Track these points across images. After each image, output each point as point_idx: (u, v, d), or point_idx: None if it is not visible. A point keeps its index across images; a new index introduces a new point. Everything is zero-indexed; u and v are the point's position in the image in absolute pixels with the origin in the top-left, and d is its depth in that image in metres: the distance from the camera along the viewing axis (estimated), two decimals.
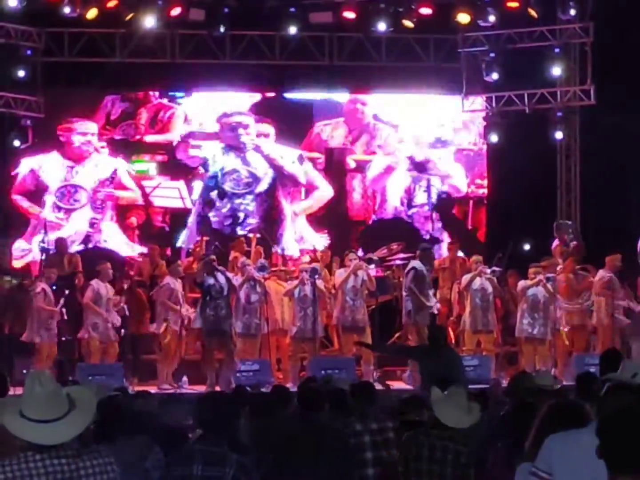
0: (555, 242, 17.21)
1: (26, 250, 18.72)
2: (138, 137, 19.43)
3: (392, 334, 16.35)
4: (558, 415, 4.73)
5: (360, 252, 16.98)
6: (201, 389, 14.29)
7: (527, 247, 18.26)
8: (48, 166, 18.93)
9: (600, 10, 17.91)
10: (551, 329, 15.41)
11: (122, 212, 19.24)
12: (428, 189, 19.65)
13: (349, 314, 15.29)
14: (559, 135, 18.72)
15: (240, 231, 19.00)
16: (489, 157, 19.75)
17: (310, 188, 19.62)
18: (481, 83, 19.00)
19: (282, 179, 19.51)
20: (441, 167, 19.86)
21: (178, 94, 19.68)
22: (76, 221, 18.98)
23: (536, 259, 16.32)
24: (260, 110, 19.52)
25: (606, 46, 18.02)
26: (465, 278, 15.67)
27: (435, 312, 15.63)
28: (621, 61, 17.71)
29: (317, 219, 19.60)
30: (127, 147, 19.33)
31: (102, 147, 19.17)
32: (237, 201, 19.35)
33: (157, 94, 19.63)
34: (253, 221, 19.22)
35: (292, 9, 17.97)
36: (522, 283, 15.54)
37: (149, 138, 19.45)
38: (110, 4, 17.50)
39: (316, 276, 15.17)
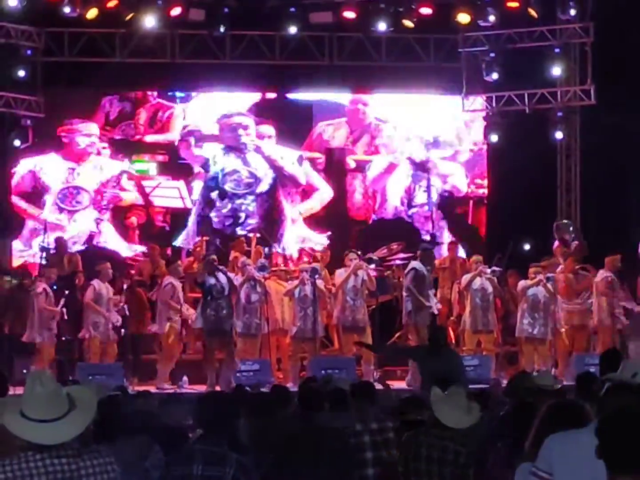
0: (557, 243, 17.21)
1: (22, 251, 18.72)
2: (138, 137, 19.44)
3: (392, 334, 16.35)
4: (558, 415, 4.73)
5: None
6: (201, 388, 14.29)
7: (527, 247, 18.24)
8: (48, 167, 18.93)
9: (601, 10, 17.91)
10: (551, 328, 15.42)
11: (121, 212, 19.23)
12: (428, 189, 19.65)
13: (349, 313, 15.29)
14: (559, 135, 18.71)
15: (240, 231, 19.01)
16: (489, 157, 19.75)
17: (310, 189, 19.63)
18: (481, 83, 19.00)
19: (283, 179, 19.51)
20: (441, 167, 19.86)
21: (178, 94, 19.69)
22: (79, 223, 18.98)
23: (536, 258, 16.32)
24: (261, 111, 19.53)
25: (606, 46, 18.01)
26: (466, 278, 15.67)
27: (435, 312, 15.62)
28: (621, 61, 17.70)
29: (317, 219, 19.60)
30: (127, 147, 19.34)
31: (104, 148, 19.18)
32: (238, 201, 19.35)
33: (155, 93, 19.64)
34: (253, 221, 19.23)
35: (292, 9, 17.97)
36: (522, 283, 15.54)
37: (149, 138, 19.46)
38: (111, 4, 17.50)
39: (316, 276, 15.17)
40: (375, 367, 15.19)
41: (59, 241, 17.45)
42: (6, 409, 4.15)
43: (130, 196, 19.28)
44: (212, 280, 14.79)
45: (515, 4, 17.99)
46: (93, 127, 19.13)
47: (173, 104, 19.60)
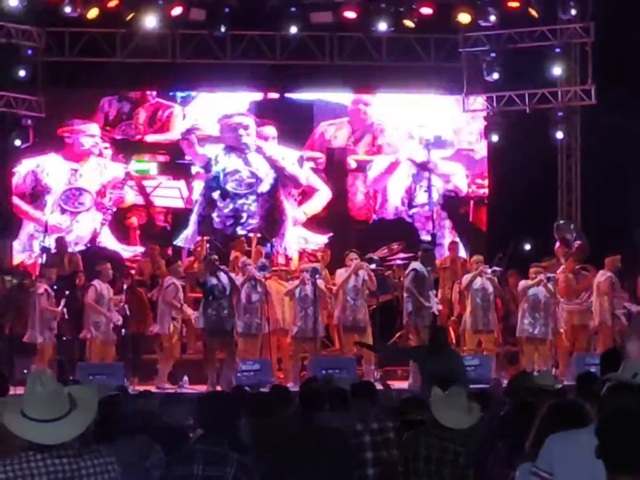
0: (558, 244, 17.21)
1: (21, 251, 18.72)
2: (138, 137, 19.43)
3: (392, 334, 16.34)
4: (558, 415, 4.73)
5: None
6: (202, 388, 14.29)
7: (527, 246, 18.25)
8: (50, 168, 18.93)
9: (601, 10, 17.91)
10: (552, 328, 15.42)
11: (121, 213, 19.22)
12: (429, 189, 19.64)
13: (350, 313, 15.29)
14: (559, 135, 18.72)
15: (240, 231, 19.01)
16: (489, 157, 19.75)
17: (309, 190, 19.63)
18: (482, 83, 19.00)
19: (284, 180, 19.51)
20: (442, 167, 19.86)
21: (179, 94, 19.69)
22: (82, 224, 18.97)
23: (537, 258, 16.33)
24: (262, 111, 19.53)
25: (607, 46, 18.02)
26: (466, 278, 15.67)
27: (436, 312, 15.62)
28: (622, 61, 17.70)
29: (318, 220, 19.60)
30: (127, 147, 19.34)
31: (106, 148, 19.18)
32: (240, 201, 19.35)
33: (154, 93, 19.64)
34: (255, 221, 19.23)
35: (293, 9, 17.98)
36: (522, 283, 15.54)
37: (150, 138, 19.46)
38: (111, 4, 17.50)
39: (317, 276, 15.17)
40: (376, 367, 15.20)
41: (60, 241, 17.45)
42: (7, 409, 4.15)
43: (131, 196, 19.27)
44: (213, 280, 14.78)
45: (515, 4, 18.00)
46: (94, 128, 19.14)
47: (173, 103, 19.60)
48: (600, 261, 15.72)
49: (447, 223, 19.89)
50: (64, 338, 15.35)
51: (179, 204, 19.38)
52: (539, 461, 4.36)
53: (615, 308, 15.40)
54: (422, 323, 15.01)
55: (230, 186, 19.33)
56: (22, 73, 17.41)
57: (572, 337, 15.82)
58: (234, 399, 7.21)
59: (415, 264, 15.35)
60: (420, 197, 19.81)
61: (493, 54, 18.39)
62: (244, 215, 19.29)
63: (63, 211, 18.97)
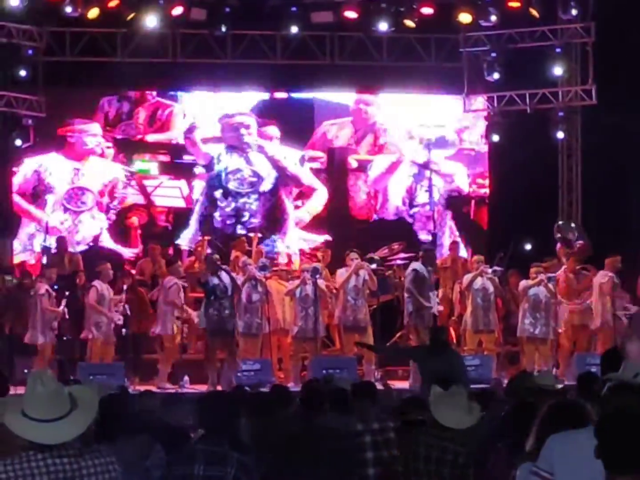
0: (559, 245, 17.21)
1: (20, 251, 18.71)
2: (139, 136, 19.43)
3: (393, 334, 16.34)
4: (558, 415, 4.73)
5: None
6: (202, 388, 14.29)
7: (528, 246, 18.24)
8: (53, 168, 18.93)
9: (602, 10, 17.91)
10: (553, 328, 15.42)
11: (122, 212, 19.21)
12: (430, 189, 19.63)
13: (351, 313, 15.30)
14: (560, 135, 18.72)
15: (241, 230, 19.01)
16: (490, 156, 19.75)
17: (308, 190, 19.63)
18: (483, 83, 19.00)
19: (285, 179, 19.52)
20: (443, 166, 19.86)
21: (179, 94, 19.69)
22: (85, 224, 18.97)
23: (537, 258, 16.33)
24: (263, 111, 19.53)
25: (607, 46, 18.02)
26: (467, 278, 15.68)
27: (436, 313, 15.62)
28: (622, 61, 17.70)
29: (319, 219, 19.60)
30: (128, 147, 19.34)
31: (108, 148, 19.18)
32: (242, 200, 19.35)
33: (154, 92, 19.64)
34: (256, 220, 19.23)
35: (294, 9, 17.98)
36: (523, 283, 15.55)
37: (150, 137, 19.46)
38: (112, 4, 17.50)
39: (317, 276, 15.17)
40: (376, 367, 15.20)
41: (60, 241, 17.45)
42: (7, 409, 4.15)
43: (132, 196, 19.27)
44: (215, 280, 14.77)
45: (516, 4, 17.99)
46: (96, 127, 19.14)
47: (173, 102, 19.59)
48: (601, 261, 15.72)
49: (449, 223, 19.88)
50: (65, 338, 15.35)
51: (180, 203, 19.38)
52: (540, 461, 4.36)
53: (616, 309, 15.40)
54: (422, 323, 15.02)
55: (232, 185, 19.33)
56: (22, 73, 17.42)
57: (573, 337, 15.83)
58: (235, 398, 7.21)
59: (416, 264, 15.35)
60: (421, 197, 19.80)
61: (494, 54, 18.39)
62: (246, 214, 19.29)
63: (65, 210, 18.98)
